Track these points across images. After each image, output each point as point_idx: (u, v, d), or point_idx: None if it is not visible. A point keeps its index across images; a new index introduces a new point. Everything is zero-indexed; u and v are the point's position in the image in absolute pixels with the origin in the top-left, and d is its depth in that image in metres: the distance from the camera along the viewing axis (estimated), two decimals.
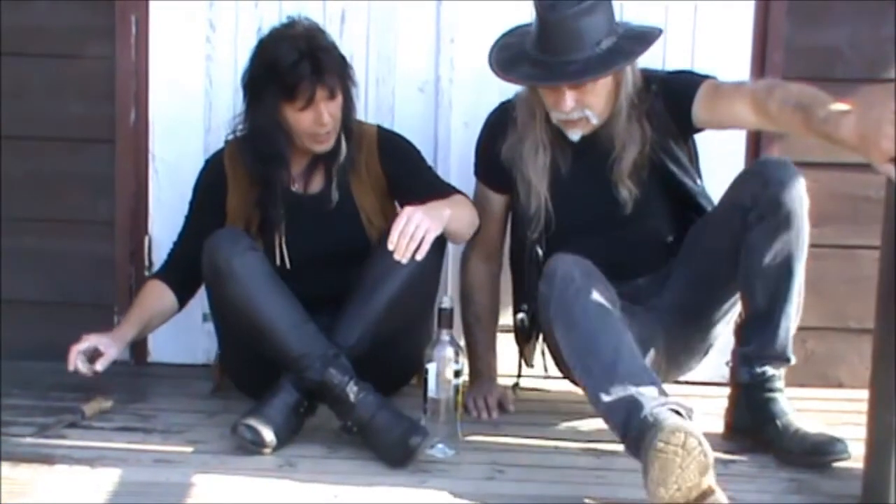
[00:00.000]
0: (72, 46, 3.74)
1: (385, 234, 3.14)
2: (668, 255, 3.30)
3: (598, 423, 3.31)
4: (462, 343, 3.11)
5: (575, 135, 3.22)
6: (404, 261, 3.02)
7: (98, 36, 3.74)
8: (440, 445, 3.03)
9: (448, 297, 3.08)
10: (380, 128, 3.47)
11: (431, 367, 3.02)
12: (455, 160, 3.69)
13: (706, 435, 3.11)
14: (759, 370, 3.09)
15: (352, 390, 3.02)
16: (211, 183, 3.42)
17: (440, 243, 3.15)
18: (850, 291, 3.46)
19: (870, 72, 3.57)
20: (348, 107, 3.30)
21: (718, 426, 3.20)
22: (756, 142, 3.67)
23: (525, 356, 3.43)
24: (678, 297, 3.24)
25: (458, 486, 2.86)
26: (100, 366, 3.23)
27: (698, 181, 3.30)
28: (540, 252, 3.27)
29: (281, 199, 3.31)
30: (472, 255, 3.45)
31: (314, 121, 3.22)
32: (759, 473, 2.98)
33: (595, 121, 3.19)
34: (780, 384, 3.10)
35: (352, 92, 3.30)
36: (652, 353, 3.20)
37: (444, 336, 3.03)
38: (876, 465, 2.68)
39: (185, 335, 3.77)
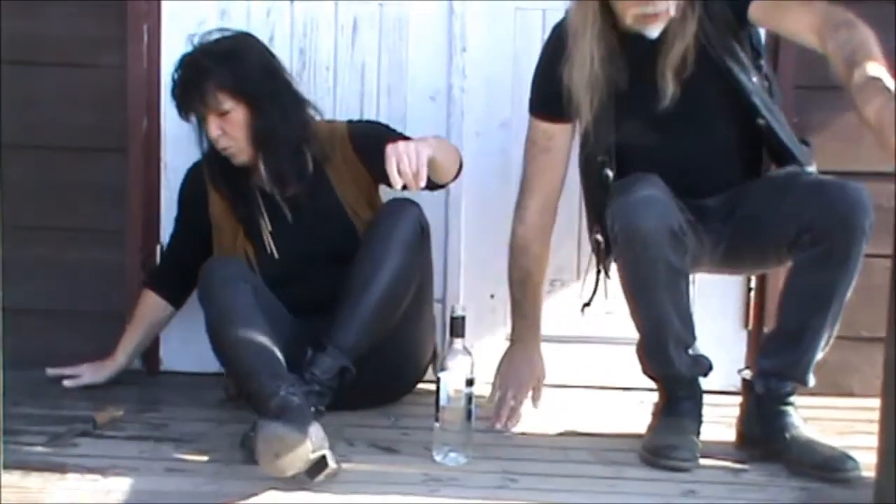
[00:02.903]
0: (84, 56, 3.75)
1: (366, 231, 3.26)
2: (739, 173, 3.21)
3: (609, 431, 3.33)
4: (473, 351, 3.09)
5: (655, 30, 3.07)
6: (416, 188, 2.99)
7: (110, 45, 3.75)
8: (452, 454, 3.03)
9: (460, 305, 3.07)
10: (349, 121, 3.51)
11: (444, 376, 3.01)
12: (467, 169, 3.68)
13: (717, 443, 3.13)
14: (774, 386, 3.08)
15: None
16: (193, 193, 3.50)
17: (422, 233, 3.22)
18: (861, 300, 3.43)
19: None
20: (259, 121, 3.27)
21: (729, 434, 3.20)
22: None
23: (607, 270, 3.28)
24: (735, 237, 3.17)
25: (470, 494, 2.85)
26: (68, 382, 3.55)
27: (754, 79, 3.16)
28: (610, 174, 3.15)
29: (256, 201, 3.36)
30: (530, 203, 3.29)
31: (208, 135, 3.29)
32: (770, 482, 2.97)
33: (673, 10, 3.06)
34: (791, 398, 3.08)
35: (268, 106, 3.27)
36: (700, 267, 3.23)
37: (457, 345, 3.02)
38: (887, 475, 2.66)
39: (196, 344, 3.75)
